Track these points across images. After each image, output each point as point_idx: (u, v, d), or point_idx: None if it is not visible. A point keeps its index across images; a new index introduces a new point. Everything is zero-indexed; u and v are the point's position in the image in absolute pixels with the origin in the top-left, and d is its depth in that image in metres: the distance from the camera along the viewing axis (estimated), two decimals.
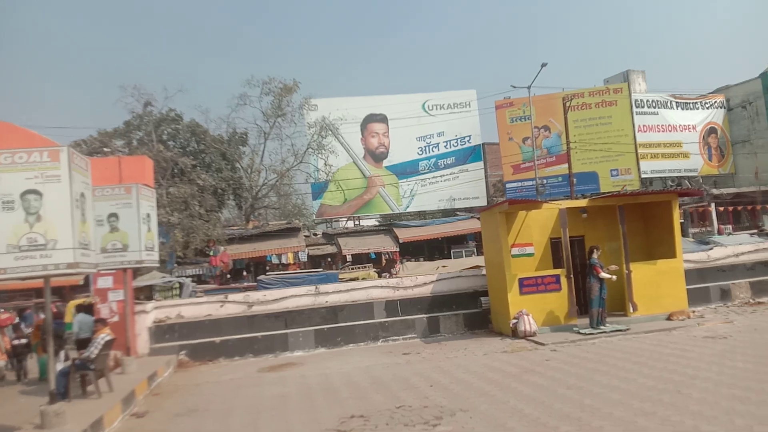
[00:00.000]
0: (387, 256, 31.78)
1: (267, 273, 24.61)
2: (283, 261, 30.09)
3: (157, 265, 13.95)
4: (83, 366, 9.35)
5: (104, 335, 9.78)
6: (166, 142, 30.56)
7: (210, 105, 73.93)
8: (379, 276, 20.50)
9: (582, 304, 13.38)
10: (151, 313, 14.21)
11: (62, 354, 12.74)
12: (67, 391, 9.14)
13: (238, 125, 33.39)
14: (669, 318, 12.89)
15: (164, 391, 10.73)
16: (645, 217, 14.61)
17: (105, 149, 25.85)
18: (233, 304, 14.94)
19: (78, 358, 9.65)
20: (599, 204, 14.31)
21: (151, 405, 9.61)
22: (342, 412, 7.81)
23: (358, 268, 25.96)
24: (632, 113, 36.77)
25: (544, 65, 30.48)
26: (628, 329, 12.16)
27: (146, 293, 16.43)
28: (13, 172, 7.35)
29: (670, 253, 13.61)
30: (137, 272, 16.15)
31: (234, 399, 9.51)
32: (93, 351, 9.43)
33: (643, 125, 37.12)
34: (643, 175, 36.79)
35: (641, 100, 37.55)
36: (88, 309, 12.77)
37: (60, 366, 10.26)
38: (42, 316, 15.13)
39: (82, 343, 10.88)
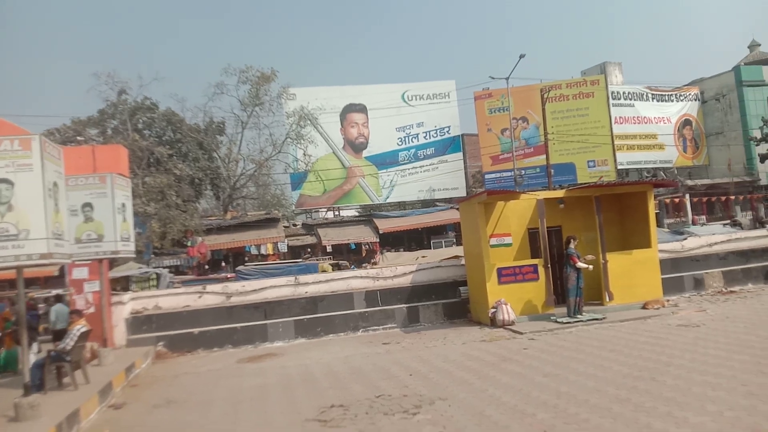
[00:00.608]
0: (367, 246, 31.83)
1: (246, 264, 24.48)
2: (262, 252, 29.96)
3: (134, 255, 13.79)
4: (59, 357, 9.21)
5: (80, 326, 9.65)
6: (141, 131, 30.13)
7: (186, 94, 73.01)
8: (358, 267, 20.50)
9: (559, 293, 13.54)
10: (128, 304, 14.03)
11: (35, 346, 12.58)
12: (43, 383, 9.00)
13: (215, 114, 33.10)
14: (644, 307, 13.11)
15: (142, 383, 10.63)
16: (621, 207, 14.81)
17: (79, 138, 25.40)
18: (212, 295, 14.81)
19: (53, 349, 9.49)
20: (576, 195, 14.47)
21: (128, 396, 9.51)
22: (322, 402, 7.82)
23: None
24: (609, 105, 37.25)
25: (522, 56, 30.64)
26: (604, 318, 12.35)
27: (123, 284, 16.24)
28: None
29: (645, 243, 13.83)
30: (113, 263, 15.95)
31: (213, 390, 9.45)
32: (68, 342, 9.30)
33: (620, 117, 37.63)
34: (619, 167, 37.35)
35: (618, 92, 38.03)
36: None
37: (34, 358, 10.12)
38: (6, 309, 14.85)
39: (58, 335, 10.72)
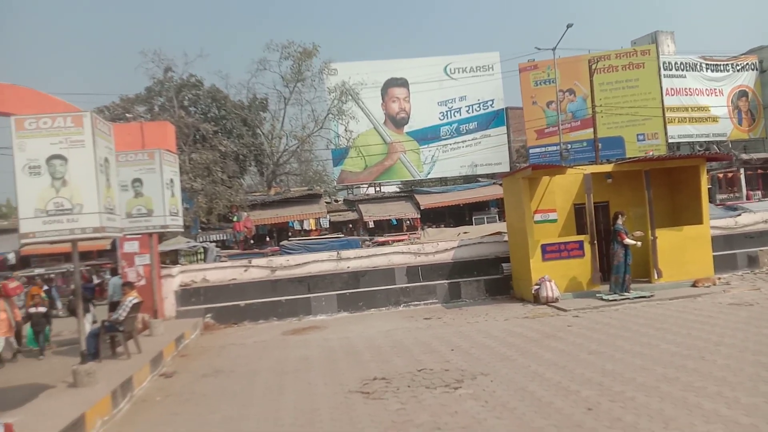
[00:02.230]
0: (408, 222, 31.83)
1: (289, 239, 24.82)
2: (305, 227, 30.35)
3: (182, 230, 14.13)
4: (112, 328, 9.60)
5: (132, 298, 10.01)
6: (187, 108, 30.68)
7: (230, 70, 73.72)
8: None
9: (605, 270, 13.25)
10: (177, 277, 14.48)
11: (90, 316, 13.13)
12: (98, 351, 9.42)
13: (259, 91, 33.39)
14: (694, 285, 12.73)
15: (191, 353, 11.00)
16: (671, 182, 14.32)
17: (128, 115, 26.04)
18: (257, 269, 15.14)
19: (107, 320, 9.90)
20: (625, 169, 14.05)
21: (178, 366, 9.86)
22: (364, 375, 7.93)
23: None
24: (660, 76, 35.83)
25: (569, 26, 29.78)
26: (652, 296, 12.06)
27: (172, 258, 16.73)
28: (39, 137, 7.42)
29: (697, 219, 13.37)
30: (162, 237, 16.42)
31: (259, 361, 9.70)
32: (121, 313, 9.67)
33: (671, 88, 36.18)
34: (670, 140, 36.04)
35: (670, 63, 36.51)
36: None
37: (89, 328, 10.58)
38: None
39: (114, 306, 11.16)
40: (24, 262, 31.43)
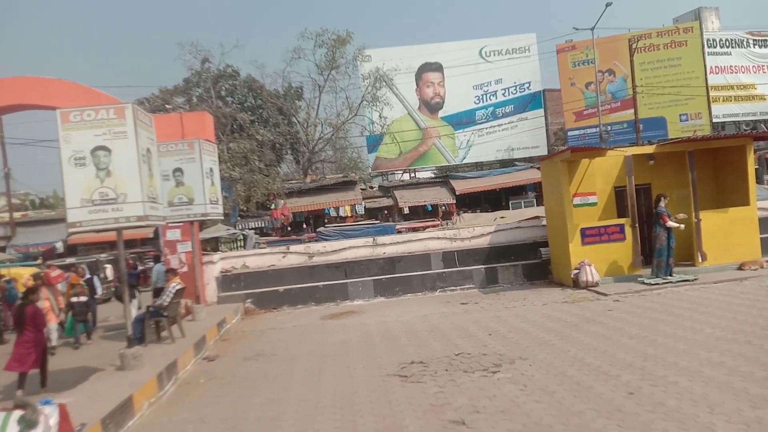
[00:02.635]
0: (443, 207, 31.70)
1: (326, 225, 25.06)
2: (341, 214, 30.56)
3: (222, 218, 14.41)
4: (157, 313, 9.91)
5: (175, 284, 10.29)
6: (224, 98, 31.08)
7: (266, 60, 74.32)
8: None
9: (647, 254, 12.98)
10: (218, 264, 14.81)
11: (135, 302, 13.53)
12: (143, 336, 9.76)
13: (293, 79, 33.56)
14: (740, 268, 12.35)
15: (233, 337, 11.27)
16: (716, 163, 13.87)
17: (167, 106, 26.56)
18: (295, 255, 15.37)
19: (152, 305, 10.21)
20: (667, 150, 13.67)
21: (221, 350, 10.12)
22: (402, 358, 7.99)
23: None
24: (704, 54, 34.52)
25: (608, 5, 28.85)
26: (696, 279, 11.76)
27: (212, 245, 17.09)
28: (83, 129, 7.65)
29: (743, 201, 12.93)
30: (203, 225, 16.77)
31: (298, 345, 9.87)
32: (165, 299, 9.96)
33: (716, 66, 34.83)
34: (714, 119, 34.78)
35: (714, 40, 35.12)
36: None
37: (135, 313, 10.94)
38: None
39: (158, 292, 11.50)
40: (71, 250, 32.58)
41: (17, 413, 4.87)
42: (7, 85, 12.45)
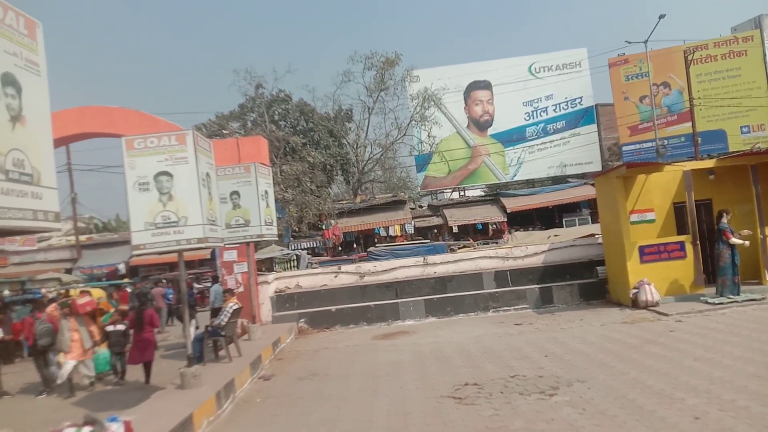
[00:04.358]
0: (494, 226, 31.37)
1: (376, 245, 25.20)
2: (390, 233, 30.67)
3: (276, 238, 14.72)
4: (215, 332, 10.17)
5: (232, 304, 10.55)
6: (277, 122, 31.92)
7: (317, 84, 76.02)
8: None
9: (710, 272, 12.48)
10: (273, 284, 15.10)
11: (194, 321, 13.91)
12: (202, 355, 10.03)
13: (344, 102, 34.14)
14: None
15: (287, 357, 11.43)
16: None
17: (224, 131, 27.46)
18: (346, 275, 15.51)
19: (210, 325, 10.49)
20: (728, 164, 13.17)
21: (276, 369, 10.28)
22: (455, 380, 7.92)
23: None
24: (766, 63, 33.17)
25: (662, 17, 28.30)
26: (763, 299, 11.20)
27: (267, 265, 17.46)
28: (147, 156, 8.01)
29: None
30: (258, 246, 17.18)
31: (351, 364, 9.92)
32: (223, 319, 10.22)
33: None
34: None
35: None
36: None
37: (194, 333, 11.25)
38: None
39: (216, 312, 11.81)
40: (133, 271, 33.87)
41: (87, 429, 5.11)
42: (74, 114, 13.18)
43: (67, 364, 10.05)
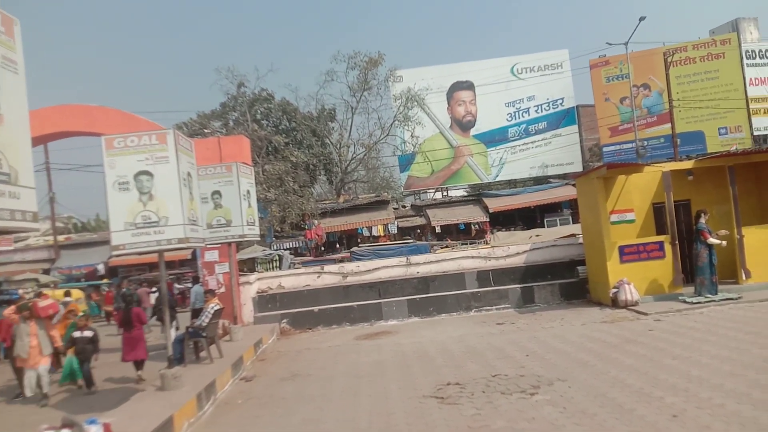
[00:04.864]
0: (476, 226, 31.52)
1: (359, 245, 25.18)
2: (374, 233, 30.66)
3: (258, 239, 14.62)
4: (196, 334, 10.09)
5: (213, 305, 10.47)
6: (260, 121, 31.73)
7: (299, 83, 75.78)
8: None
9: (688, 272, 12.67)
10: (255, 284, 15.01)
11: (175, 323, 13.77)
12: (183, 356, 9.93)
13: (327, 101, 34.05)
14: None
15: (269, 357, 11.37)
16: (759, 177, 13.49)
17: (205, 130, 27.24)
18: (329, 275, 15.49)
19: (191, 326, 10.40)
20: (707, 165, 13.38)
21: (257, 370, 10.22)
22: (438, 379, 7.95)
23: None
24: (743, 65, 33.77)
25: (642, 19, 28.67)
26: (740, 297, 11.41)
27: (249, 265, 17.34)
28: (127, 155, 7.91)
29: None
30: (240, 246, 17.06)
31: (334, 365, 9.90)
32: (204, 320, 10.14)
33: (755, 78, 34.02)
34: (755, 132, 33.88)
35: (753, 51, 34.37)
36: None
37: (175, 334, 11.14)
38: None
39: (196, 313, 11.70)
40: (112, 272, 33.46)
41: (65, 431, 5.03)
42: (53, 113, 12.98)
43: (28, 372, 9.33)
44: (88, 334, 9.89)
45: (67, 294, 16.97)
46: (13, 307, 10.46)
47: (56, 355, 10.46)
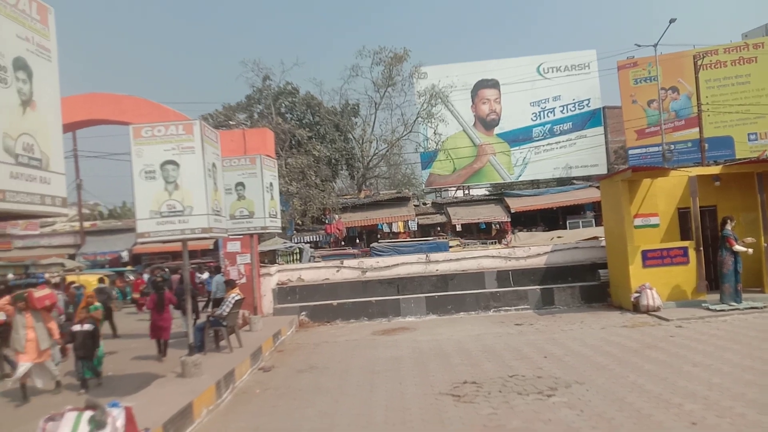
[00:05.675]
0: (497, 226, 31.34)
1: (378, 241, 25.20)
2: (394, 229, 30.66)
3: (280, 231, 14.74)
4: (216, 323, 10.21)
5: (234, 295, 10.59)
6: (284, 114, 31.89)
7: (324, 77, 76.20)
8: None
9: (712, 279, 12.47)
10: (275, 276, 15.14)
11: (199, 311, 13.97)
12: (203, 344, 10.07)
13: (350, 96, 34.12)
14: None
15: (287, 349, 11.47)
16: None
17: (230, 122, 27.46)
18: (348, 270, 15.56)
19: (212, 315, 10.53)
20: (734, 171, 13.14)
21: (276, 361, 10.32)
22: (454, 378, 7.94)
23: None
24: None
25: (672, 21, 28.18)
26: (765, 307, 11.19)
27: (270, 257, 17.49)
28: (154, 144, 8.02)
29: None
30: (261, 238, 17.21)
31: (351, 359, 9.96)
32: (225, 309, 10.26)
33: None
34: None
35: None
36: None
37: (195, 322, 11.31)
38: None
39: (217, 302, 11.86)
40: (135, 259, 34.02)
41: (88, 413, 5.14)
42: (83, 101, 13.21)
43: (20, 366, 8.79)
44: (87, 327, 9.41)
45: (101, 281, 17.34)
46: (7, 297, 10.01)
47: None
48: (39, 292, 9.31)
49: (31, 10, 4.88)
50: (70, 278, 20.49)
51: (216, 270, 14.59)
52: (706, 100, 29.41)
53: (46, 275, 23.58)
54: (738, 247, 11.50)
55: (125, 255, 33.82)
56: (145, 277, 23.61)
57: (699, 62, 26.08)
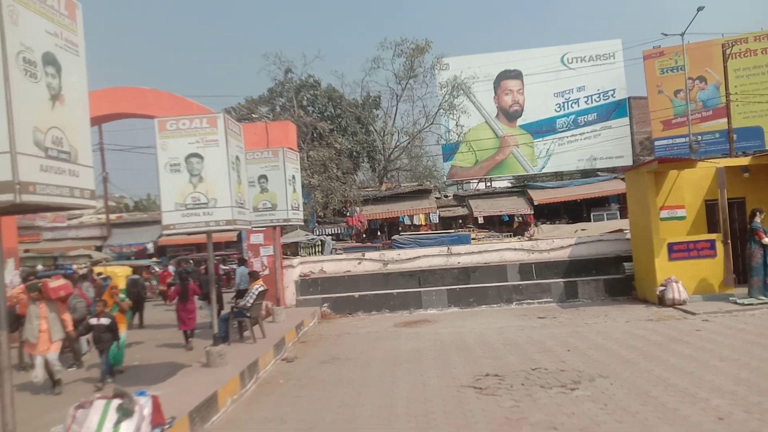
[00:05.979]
0: (520, 218, 31.11)
1: (400, 233, 25.21)
2: (415, 222, 30.61)
3: (302, 223, 14.84)
4: (240, 314, 10.35)
5: (258, 286, 10.71)
6: (305, 107, 31.97)
7: (345, 70, 76.26)
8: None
9: (740, 272, 12.23)
10: (297, 268, 15.26)
11: (229, 302, 14.09)
12: (227, 335, 10.21)
13: (372, 89, 34.02)
14: None
15: (310, 340, 11.58)
16: None
17: (253, 115, 27.64)
18: (370, 262, 15.61)
19: (236, 306, 10.67)
20: (764, 162, 12.85)
21: (298, 351, 10.43)
22: (476, 370, 7.94)
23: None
24: None
25: (700, 9, 27.52)
26: None
27: (292, 249, 17.65)
28: (178, 137, 8.14)
29: None
30: (284, 230, 17.36)
31: (372, 350, 10.01)
32: (249, 300, 10.38)
33: None
34: None
35: None
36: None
37: (221, 313, 11.48)
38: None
39: (241, 293, 12.01)
40: (160, 251, 34.53)
41: (116, 402, 5.26)
42: (109, 95, 13.43)
43: (36, 360, 8.65)
44: (105, 321, 9.20)
45: (135, 272, 17.57)
46: (22, 286, 9.85)
47: (68, 339, 9.70)
48: (54, 283, 9.09)
49: (60, 5, 4.96)
50: (97, 269, 20.89)
51: (240, 262, 14.75)
52: (735, 90, 28.73)
53: (74, 266, 24.07)
54: (767, 240, 11.26)
55: (150, 247, 34.35)
56: (171, 269, 23.96)
57: (728, 51, 25.48)
